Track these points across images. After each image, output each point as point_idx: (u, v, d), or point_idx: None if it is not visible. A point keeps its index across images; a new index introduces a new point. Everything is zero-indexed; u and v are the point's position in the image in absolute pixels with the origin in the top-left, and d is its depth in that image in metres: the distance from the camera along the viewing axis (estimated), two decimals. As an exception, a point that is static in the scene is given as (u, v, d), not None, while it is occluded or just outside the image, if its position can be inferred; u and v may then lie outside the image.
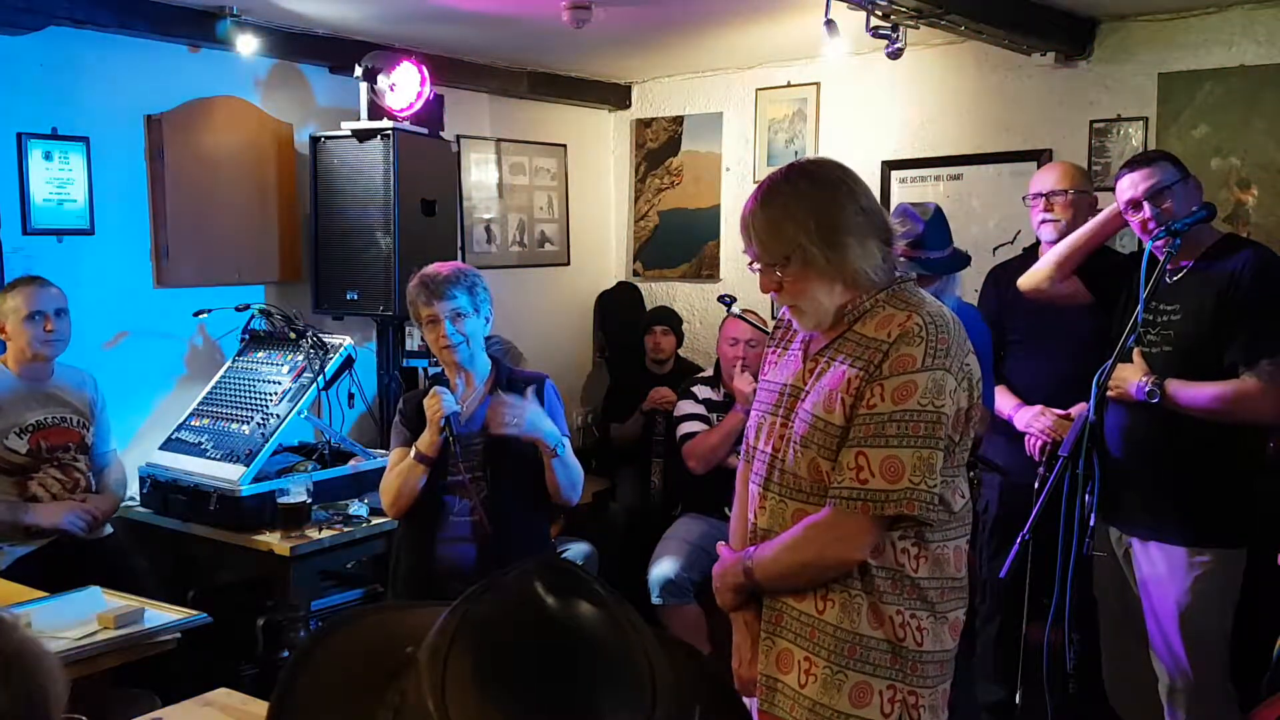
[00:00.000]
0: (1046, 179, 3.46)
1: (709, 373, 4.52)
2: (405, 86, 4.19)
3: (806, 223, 1.87)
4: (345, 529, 3.67)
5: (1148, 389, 2.77)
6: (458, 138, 5.04)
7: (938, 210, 3.23)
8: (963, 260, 3.27)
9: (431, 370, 4.44)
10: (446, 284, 2.89)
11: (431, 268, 2.98)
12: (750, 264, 1.96)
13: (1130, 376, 2.81)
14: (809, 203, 1.89)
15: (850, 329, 1.91)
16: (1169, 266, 2.78)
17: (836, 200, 1.89)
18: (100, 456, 3.66)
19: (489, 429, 2.84)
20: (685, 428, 4.26)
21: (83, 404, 3.59)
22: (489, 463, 2.91)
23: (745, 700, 2.03)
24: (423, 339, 4.31)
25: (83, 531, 3.43)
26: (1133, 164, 2.93)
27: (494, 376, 3.03)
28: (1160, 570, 2.85)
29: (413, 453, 2.90)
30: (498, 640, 0.78)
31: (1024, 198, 3.52)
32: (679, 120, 5.73)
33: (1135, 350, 2.85)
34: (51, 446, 3.46)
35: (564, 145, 5.75)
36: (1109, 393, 2.83)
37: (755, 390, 2.15)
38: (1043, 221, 3.42)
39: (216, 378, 4.10)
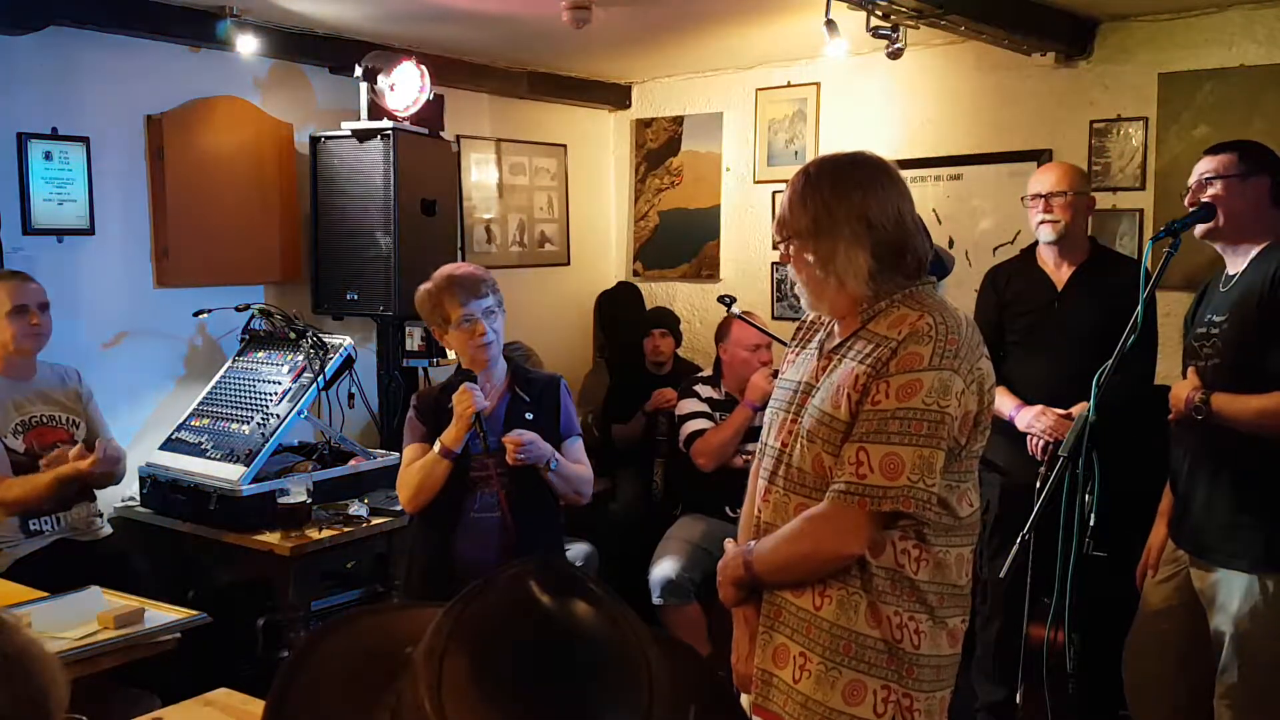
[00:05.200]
0: (1045, 180, 3.45)
1: (708, 373, 4.52)
2: (405, 86, 4.19)
3: (808, 217, 1.93)
4: (345, 529, 3.67)
5: (1195, 404, 2.68)
6: (458, 138, 5.04)
7: None
8: (941, 266, 3.24)
9: (434, 371, 4.46)
10: (478, 283, 2.94)
11: (456, 270, 2.98)
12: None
13: (1182, 393, 2.74)
14: (818, 200, 1.93)
15: (864, 327, 1.93)
16: (1224, 275, 2.74)
17: (843, 206, 1.91)
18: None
19: (506, 458, 2.88)
20: (692, 425, 4.25)
21: (70, 401, 3.56)
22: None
23: (741, 695, 2.04)
24: (423, 339, 4.34)
25: (118, 456, 3.44)
26: (1209, 149, 2.86)
27: (511, 374, 3.05)
28: (1222, 594, 2.75)
29: (437, 447, 2.90)
30: (494, 640, 0.78)
31: (1022, 198, 3.52)
32: (679, 120, 5.73)
33: (1190, 368, 2.79)
34: (43, 446, 3.45)
35: (564, 145, 5.75)
36: (1170, 416, 2.78)
37: (775, 387, 2.17)
38: (1041, 222, 3.42)
39: (216, 378, 4.10)
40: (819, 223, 1.92)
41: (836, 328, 2.01)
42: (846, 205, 1.90)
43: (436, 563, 2.95)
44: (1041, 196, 3.41)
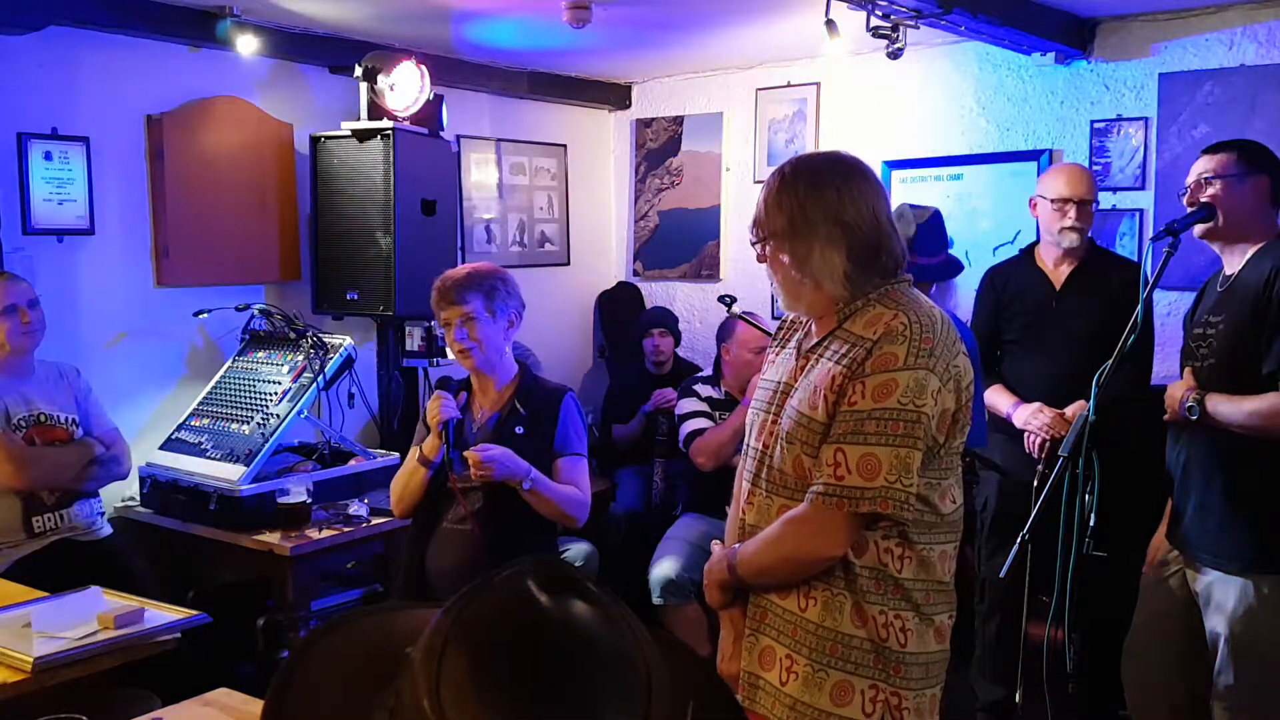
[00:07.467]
0: (1077, 186, 3.35)
1: (708, 372, 4.52)
2: (405, 86, 4.19)
3: (783, 218, 1.93)
4: (345, 529, 3.67)
5: (1188, 404, 2.67)
6: (458, 138, 5.04)
7: (935, 215, 3.20)
8: (954, 267, 3.22)
9: (434, 371, 4.46)
10: (457, 288, 2.87)
11: (449, 273, 2.95)
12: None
13: (1176, 393, 2.72)
14: (793, 201, 1.93)
15: (840, 326, 1.93)
16: (1221, 276, 2.74)
17: (818, 207, 1.90)
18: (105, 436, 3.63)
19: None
20: (691, 425, 4.24)
21: (67, 401, 3.55)
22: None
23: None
24: (423, 339, 4.35)
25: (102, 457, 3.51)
26: (1207, 149, 2.84)
27: (517, 382, 2.99)
28: (1217, 595, 2.73)
29: (416, 454, 2.90)
30: (492, 640, 0.78)
31: (1038, 199, 3.43)
32: (679, 120, 5.73)
33: (1186, 367, 2.77)
34: (43, 443, 3.44)
35: (564, 145, 5.75)
36: (1165, 416, 2.76)
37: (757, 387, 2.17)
38: (1067, 228, 3.35)
39: (216, 378, 4.10)
40: (794, 224, 1.92)
41: (814, 327, 2.01)
42: (821, 206, 1.90)
43: (414, 569, 2.95)
44: (1073, 203, 3.34)
